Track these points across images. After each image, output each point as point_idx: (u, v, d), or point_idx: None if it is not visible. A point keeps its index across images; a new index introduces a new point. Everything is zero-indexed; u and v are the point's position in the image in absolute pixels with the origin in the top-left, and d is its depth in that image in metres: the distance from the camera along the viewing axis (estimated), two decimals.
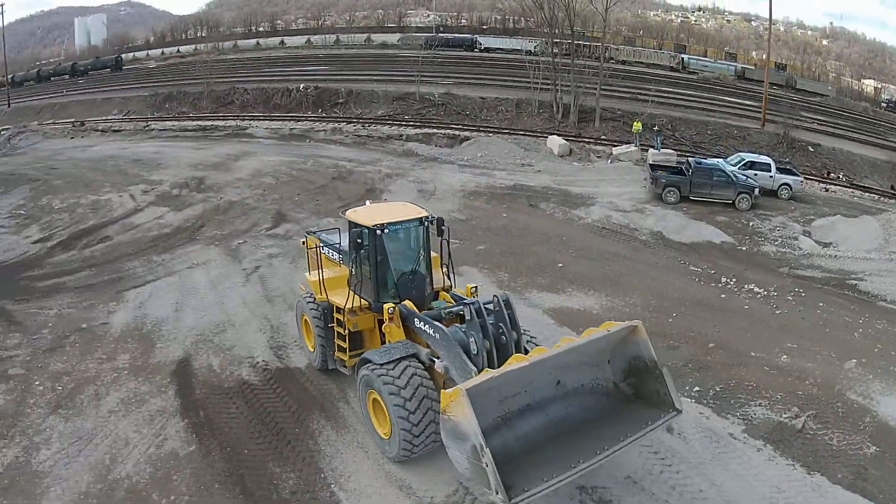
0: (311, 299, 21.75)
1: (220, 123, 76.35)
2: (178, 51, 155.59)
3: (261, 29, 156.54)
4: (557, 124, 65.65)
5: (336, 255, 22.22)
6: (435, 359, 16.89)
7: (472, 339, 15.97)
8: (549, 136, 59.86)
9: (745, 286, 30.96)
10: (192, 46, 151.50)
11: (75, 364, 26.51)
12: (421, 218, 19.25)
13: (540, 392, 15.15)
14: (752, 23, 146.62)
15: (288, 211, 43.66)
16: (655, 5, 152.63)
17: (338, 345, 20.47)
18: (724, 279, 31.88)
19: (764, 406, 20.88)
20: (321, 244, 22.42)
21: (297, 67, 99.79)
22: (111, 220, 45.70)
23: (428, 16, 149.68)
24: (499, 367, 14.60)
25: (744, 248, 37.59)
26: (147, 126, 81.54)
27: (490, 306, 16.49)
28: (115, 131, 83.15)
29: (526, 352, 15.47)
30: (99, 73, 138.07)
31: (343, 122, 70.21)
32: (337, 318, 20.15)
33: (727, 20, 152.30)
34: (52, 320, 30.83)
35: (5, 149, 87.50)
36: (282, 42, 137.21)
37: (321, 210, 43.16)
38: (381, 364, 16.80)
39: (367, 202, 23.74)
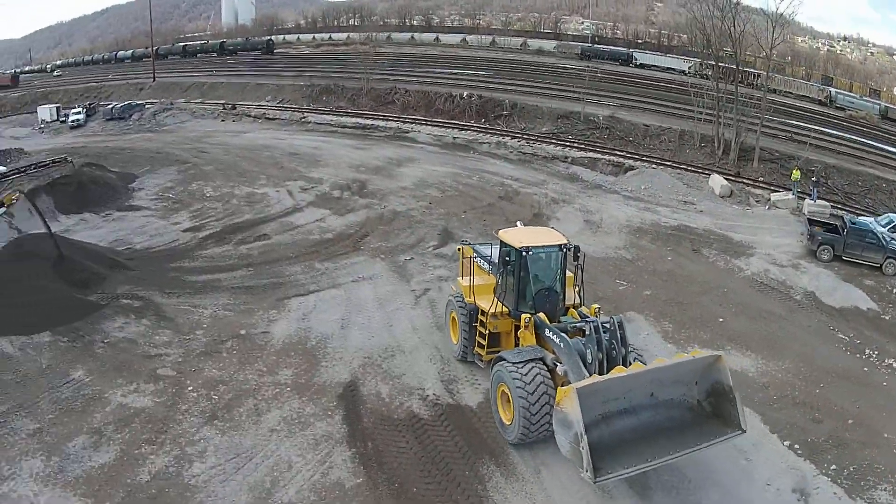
0: (461, 300, 26.66)
1: (381, 123, 77.86)
2: (330, 38, 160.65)
3: (414, 23, 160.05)
4: (718, 161, 64.34)
5: (486, 265, 27.13)
6: (557, 363, 21.23)
7: (588, 351, 20.35)
8: (712, 175, 59.07)
9: (886, 360, 31.17)
10: (345, 35, 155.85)
11: (233, 373, 27.24)
12: (560, 245, 23.87)
13: (636, 400, 19.52)
14: (894, 57, 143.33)
15: (455, 229, 43.89)
16: (803, 31, 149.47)
17: (478, 341, 25.54)
18: (867, 351, 31.99)
19: (888, 491, 21.70)
20: (475, 255, 27.72)
21: (457, 70, 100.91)
22: (268, 216, 47.04)
23: (582, 23, 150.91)
24: None
25: (887, 318, 36.64)
26: (303, 118, 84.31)
27: (607, 325, 20.77)
28: (268, 119, 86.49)
29: (628, 365, 19.88)
30: (249, 54, 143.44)
31: (507, 136, 70.33)
32: (480, 320, 25.27)
33: (870, 52, 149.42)
34: (207, 321, 31.80)
35: (150, 124, 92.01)
36: (437, 39, 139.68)
37: (489, 231, 42.75)
38: (514, 363, 21.40)
39: (518, 223, 30.09)
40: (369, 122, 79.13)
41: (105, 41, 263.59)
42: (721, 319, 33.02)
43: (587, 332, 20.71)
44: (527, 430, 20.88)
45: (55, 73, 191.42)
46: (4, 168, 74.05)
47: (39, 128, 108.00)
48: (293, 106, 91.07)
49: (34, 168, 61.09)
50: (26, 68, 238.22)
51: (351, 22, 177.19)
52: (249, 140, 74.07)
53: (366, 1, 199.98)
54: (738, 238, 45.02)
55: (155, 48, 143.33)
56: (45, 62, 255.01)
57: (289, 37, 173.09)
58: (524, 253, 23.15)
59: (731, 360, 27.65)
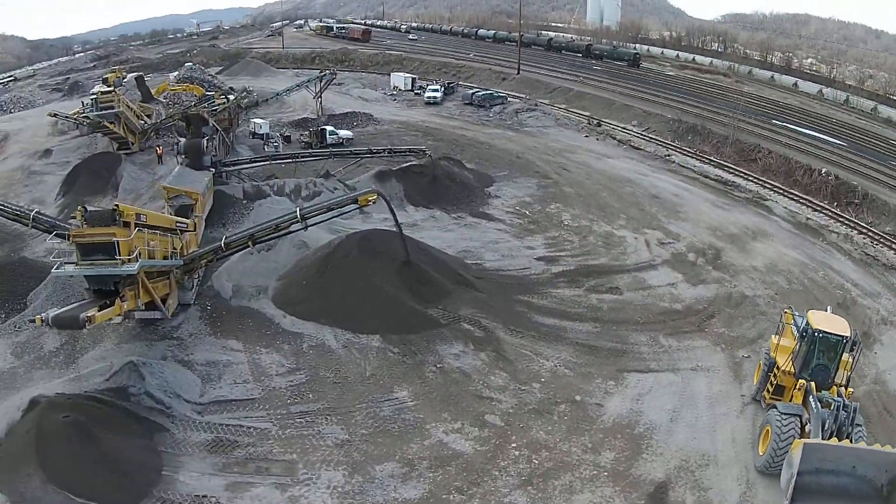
0: (768, 352, 34.05)
1: (741, 182, 76.69)
2: (694, 60, 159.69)
3: (774, 62, 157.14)
4: None
5: (796, 332, 33.48)
6: (808, 423, 28.54)
7: (828, 420, 27.84)
8: None
9: None
10: (708, 60, 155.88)
11: (558, 441, 28.89)
12: (844, 336, 30.47)
13: (842, 466, 26.55)
14: None
15: None
16: None
17: (767, 387, 33.24)
18: None
19: None
20: (792, 322, 34.79)
21: (814, 132, 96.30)
22: (623, 267, 47.74)
23: None
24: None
25: None
26: (667, 155, 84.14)
27: (847, 407, 28.24)
28: (633, 147, 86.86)
29: (845, 438, 27.45)
30: (614, 63, 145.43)
31: (855, 229, 66.68)
32: (774, 372, 32.73)
33: None
34: (546, 375, 33.37)
35: (511, 121, 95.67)
36: (795, 84, 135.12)
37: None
38: (782, 414, 28.78)
39: (828, 308, 36.07)
40: (731, 177, 78.33)
41: (463, 13, 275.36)
42: None
43: (832, 408, 28.30)
44: (770, 463, 28.52)
45: (410, 36, 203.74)
46: (350, 133, 79.63)
47: (391, 94, 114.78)
48: (658, 138, 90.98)
49: (389, 153, 64.25)
50: (377, 23, 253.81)
51: (714, 46, 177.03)
52: (612, 167, 74.47)
53: (727, 25, 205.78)
54: None
55: (520, 34, 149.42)
56: (398, 20, 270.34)
57: (653, 49, 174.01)
58: (816, 334, 30.56)
59: None
